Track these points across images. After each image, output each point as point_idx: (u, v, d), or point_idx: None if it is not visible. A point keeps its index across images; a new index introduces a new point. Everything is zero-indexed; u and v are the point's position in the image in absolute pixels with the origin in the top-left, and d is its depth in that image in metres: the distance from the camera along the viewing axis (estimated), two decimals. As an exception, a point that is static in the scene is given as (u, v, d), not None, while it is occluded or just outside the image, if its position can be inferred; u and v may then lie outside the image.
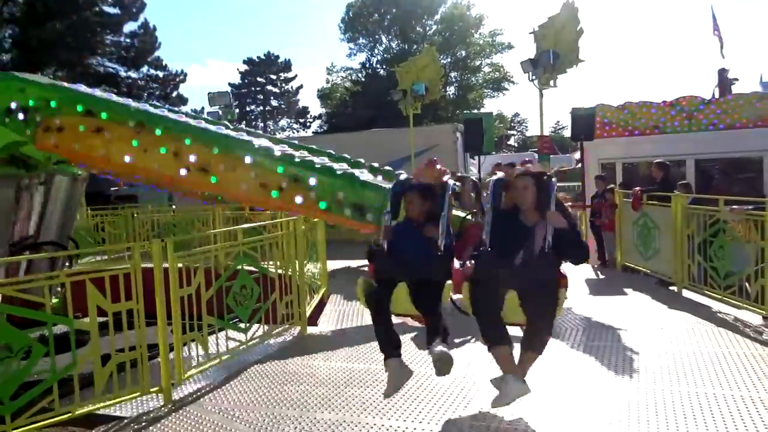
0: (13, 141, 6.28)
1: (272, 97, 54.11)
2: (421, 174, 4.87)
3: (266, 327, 6.05)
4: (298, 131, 54.98)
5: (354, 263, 11.28)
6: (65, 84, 6.55)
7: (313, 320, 6.90)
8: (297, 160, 6.15)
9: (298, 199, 6.17)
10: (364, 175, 6.26)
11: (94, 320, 4.29)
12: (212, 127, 6.55)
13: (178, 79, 42.44)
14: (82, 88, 6.50)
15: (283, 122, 57.52)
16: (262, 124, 57.27)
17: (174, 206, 15.29)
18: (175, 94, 41.86)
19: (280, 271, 6.28)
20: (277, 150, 6.28)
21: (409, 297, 4.29)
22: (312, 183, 6.09)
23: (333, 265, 10.33)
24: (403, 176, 5.24)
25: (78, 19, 36.46)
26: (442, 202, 4.58)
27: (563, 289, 4.01)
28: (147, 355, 4.66)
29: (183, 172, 6.26)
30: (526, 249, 4.03)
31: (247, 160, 6.15)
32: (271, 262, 6.25)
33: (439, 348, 3.96)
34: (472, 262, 4.30)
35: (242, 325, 5.69)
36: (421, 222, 4.51)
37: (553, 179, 4.18)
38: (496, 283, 4.01)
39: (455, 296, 5.02)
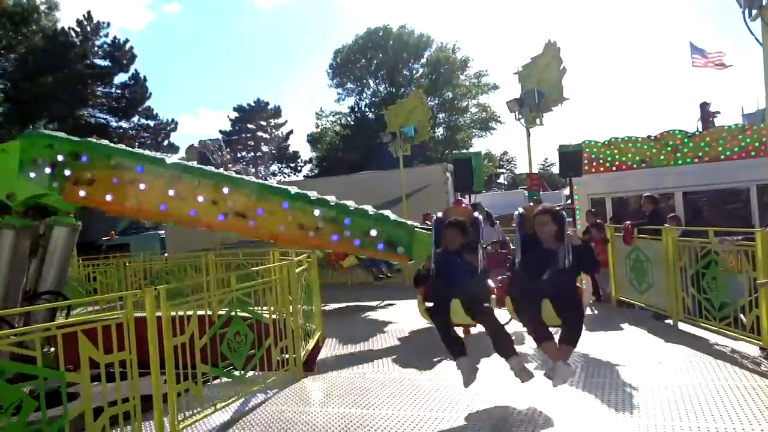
0: (33, 194, 6.55)
1: (263, 143, 54.48)
2: (451, 213, 5.96)
3: (261, 373, 5.96)
4: (289, 175, 55.21)
5: (347, 305, 11.21)
6: (95, 140, 6.86)
7: (308, 365, 6.82)
8: (332, 203, 6.79)
9: (335, 237, 6.73)
10: (392, 215, 6.98)
11: (86, 373, 4.22)
12: (247, 178, 6.92)
13: (168, 128, 42.82)
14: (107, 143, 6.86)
15: (274, 167, 57.86)
16: (253, 170, 57.48)
17: (166, 254, 15.20)
18: (166, 142, 42.14)
19: (274, 316, 6.23)
20: (312, 195, 6.85)
21: (463, 310, 5.29)
22: (347, 223, 6.70)
23: (327, 308, 10.28)
24: (439, 214, 6.12)
25: (69, 73, 36.95)
26: (477, 234, 5.61)
27: (584, 295, 5.04)
28: (140, 407, 4.57)
29: (221, 217, 6.61)
30: (551, 268, 5.08)
31: (285, 205, 6.67)
32: (264, 307, 6.21)
33: (516, 361, 4.91)
34: (506, 279, 5.54)
35: (237, 373, 5.61)
36: (459, 251, 5.44)
37: (563, 212, 5.32)
38: (533, 295, 5.11)
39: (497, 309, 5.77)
